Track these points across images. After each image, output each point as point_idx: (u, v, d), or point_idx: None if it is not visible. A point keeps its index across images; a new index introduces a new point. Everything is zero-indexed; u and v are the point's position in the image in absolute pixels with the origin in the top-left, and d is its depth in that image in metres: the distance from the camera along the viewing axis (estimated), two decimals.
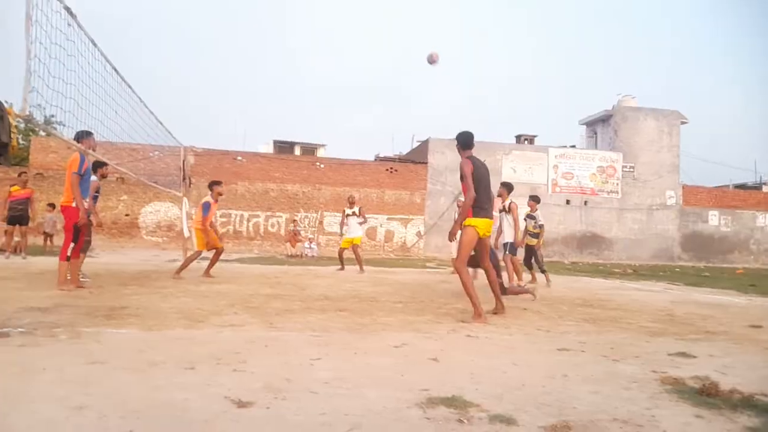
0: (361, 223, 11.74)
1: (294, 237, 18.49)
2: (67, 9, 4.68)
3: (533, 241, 9.76)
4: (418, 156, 24.25)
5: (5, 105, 3.97)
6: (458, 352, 3.51)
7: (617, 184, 24.81)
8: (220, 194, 8.84)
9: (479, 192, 5.13)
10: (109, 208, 18.94)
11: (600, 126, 27.18)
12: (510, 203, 8.80)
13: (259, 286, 7.32)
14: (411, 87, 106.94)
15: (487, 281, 5.47)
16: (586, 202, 24.39)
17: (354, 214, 11.65)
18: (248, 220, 20.54)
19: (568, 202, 24.22)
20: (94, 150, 6.39)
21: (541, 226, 9.82)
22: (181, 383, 2.49)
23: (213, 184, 8.81)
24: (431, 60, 7.02)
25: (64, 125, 6.44)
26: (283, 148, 27.26)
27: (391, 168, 22.56)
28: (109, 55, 6.15)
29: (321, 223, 21.16)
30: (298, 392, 2.43)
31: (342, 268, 11.27)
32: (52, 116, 11.26)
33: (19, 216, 11.10)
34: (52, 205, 14.58)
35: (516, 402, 2.42)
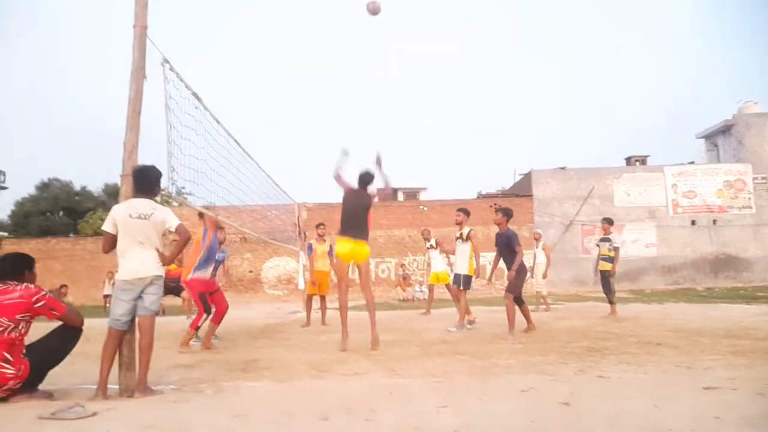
0: (442, 254, 11.31)
1: (404, 281, 18.66)
2: (195, 94, 5.27)
3: (607, 266, 9.05)
4: (521, 189, 23.75)
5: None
6: (590, 394, 3.34)
7: (749, 198, 22.49)
8: (320, 235, 9.30)
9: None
10: (234, 266, 20.39)
11: (721, 137, 25.02)
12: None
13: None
14: (506, 120, 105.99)
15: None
16: (715, 221, 22.33)
17: (432, 247, 11.34)
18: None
19: (693, 222, 22.30)
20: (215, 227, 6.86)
21: (616, 249, 9.11)
22: None
23: (316, 226, 9.45)
24: (373, 10, 6.49)
25: (192, 194, 7.03)
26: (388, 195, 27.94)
27: (495, 204, 22.24)
28: (228, 123, 6.77)
29: (429, 265, 21.16)
30: None
31: (427, 312, 10.97)
32: (183, 187, 12.52)
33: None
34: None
35: None
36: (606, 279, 9.06)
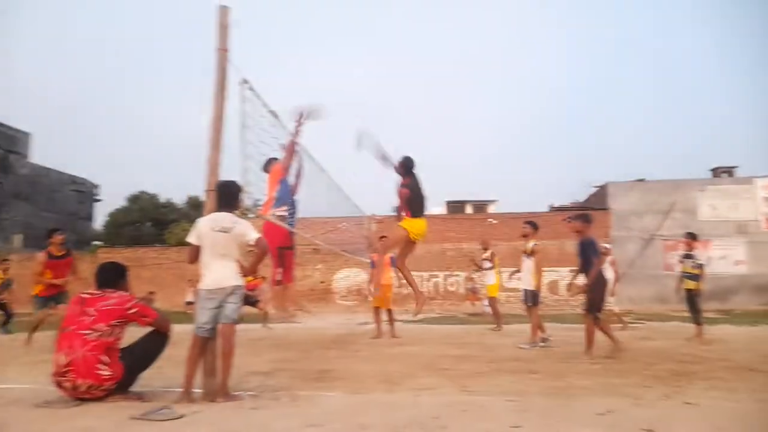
0: (489, 269, 11.04)
1: (474, 295, 18.40)
2: (272, 112, 5.51)
3: (692, 284, 8.44)
4: (596, 202, 22.87)
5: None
6: (677, 422, 3.16)
7: None
8: (375, 250, 9.34)
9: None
10: (306, 276, 20.92)
11: None
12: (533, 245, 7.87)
13: (446, 347, 7.40)
14: (579, 132, 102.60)
15: None
16: None
17: (486, 259, 11.07)
18: (428, 281, 21.02)
19: None
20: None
21: (700, 266, 8.49)
22: None
23: (378, 239, 9.52)
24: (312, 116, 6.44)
25: None
26: (456, 207, 27.75)
27: (568, 217, 21.56)
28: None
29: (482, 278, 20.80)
30: None
31: (498, 327, 10.53)
32: (258, 200, 13.02)
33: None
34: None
35: None
36: (692, 298, 8.53)
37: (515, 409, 3.50)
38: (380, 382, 4.60)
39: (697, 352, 6.66)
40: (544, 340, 7.52)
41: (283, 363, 5.84)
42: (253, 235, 4.04)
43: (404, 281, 6.73)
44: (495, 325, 10.64)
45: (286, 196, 6.50)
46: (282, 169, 6.53)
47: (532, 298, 7.64)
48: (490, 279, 11.16)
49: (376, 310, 9.30)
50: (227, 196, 4.20)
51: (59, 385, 3.69)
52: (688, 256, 8.72)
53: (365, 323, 13.10)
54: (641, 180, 21.59)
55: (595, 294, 6.56)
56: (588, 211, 22.53)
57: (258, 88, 5.01)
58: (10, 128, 28.91)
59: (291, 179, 6.70)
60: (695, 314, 8.43)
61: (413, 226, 6.26)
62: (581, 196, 27.44)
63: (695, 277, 8.47)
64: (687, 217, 20.31)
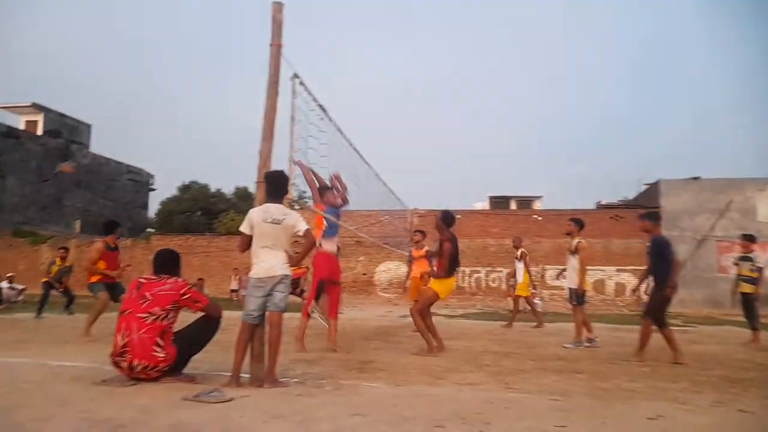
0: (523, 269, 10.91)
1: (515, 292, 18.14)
2: (321, 106, 5.58)
3: (749, 288, 8.04)
4: (646, 200, 22.13)
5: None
6: (730, 430, 3.06)
7: None
8: (417, 241, 9.43)
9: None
10: (349, 268, 21.13)
11: None
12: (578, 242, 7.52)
13: (488, 343, 7.36)
14: (629, 126, 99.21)
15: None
16: None
17: (516, 258, 10.96)
18: (469, 276, 20.88)
19: None
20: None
21: (759, 269, 8.07)
22: None
23: (413, 233, 9.68)
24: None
25: (311, 199, 7.27)
26: (499, 203, 27.38)
27: (617, 215, 20.97)
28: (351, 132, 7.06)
29: (542, 277, 20.44)
30: None
31: (540, 325, 10.43)
32: (304, 192, 13.20)
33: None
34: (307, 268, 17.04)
35: None
36: (748, 302, 8.18)
37: (560, 408, 3.46)
38: (422, 374, 4.62)
39: (753, 358, 6.39)
40: (590, 340, 7.37)
41: (327, 352, 5.95)
42: (302, 226, 4.12)
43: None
44: (508, 323, 10.56)
45: (333, 227, 6.64)
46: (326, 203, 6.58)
47: (576, 297, 7.47)
48: (519, 278, 11.04)
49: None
50: (276, 186, 4.29)
51: (117, 365, 3.88)
52: (745, 258, 8.36)
53: (406, 316, 13.15)
54: (695, 178, 20.74)
55: (660, 298, 6.10)
56: (637, 208, 21.86)
57: (308, 83, 5.08)
58: (72, 119, 30.28)
59: (337, 201, 6.81)
60: (752, 319, 8.08)
61: (445, 287, 6.32)
62: (630, 194, 26.62)
63: (753, 281, 8.12)
64: (744, 217, 19.43)
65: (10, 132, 26.54)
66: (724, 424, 3.17)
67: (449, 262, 6.23)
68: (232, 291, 19.05)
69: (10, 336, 6.68)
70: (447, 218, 6.48)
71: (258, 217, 4.10)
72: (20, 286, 14.94)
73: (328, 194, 6.61)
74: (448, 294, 6.42)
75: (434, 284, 6.32)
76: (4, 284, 14.37)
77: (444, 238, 6.29)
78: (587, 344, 7.20)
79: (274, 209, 4.13)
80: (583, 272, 7.38)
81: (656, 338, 8.81)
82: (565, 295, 7.98)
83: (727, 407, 3.63)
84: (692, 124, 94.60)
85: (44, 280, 11.12)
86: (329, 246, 6.59)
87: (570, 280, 7.57)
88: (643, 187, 24.07)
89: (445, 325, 10.26)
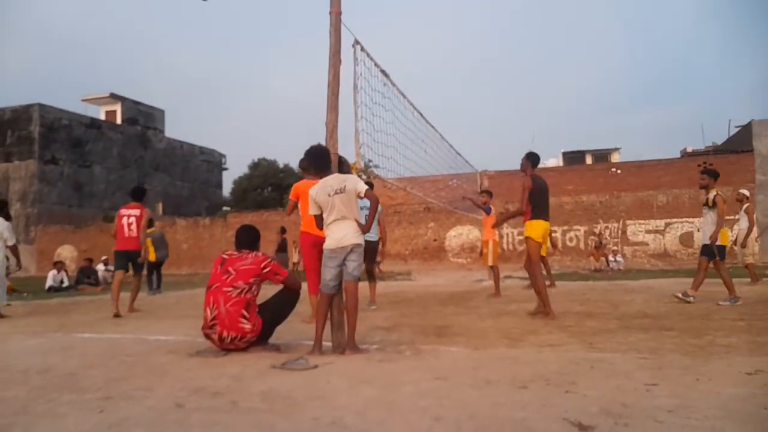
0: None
1: (597, 251, 17.55)
2: (383, 72, 5.52)
3: None
4: (738, 144, 20.54)
5: (349, 162, 4.88)
6: None
7: None
8: (485, 203, 9.14)
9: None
10: (419, 235, 21.19)
11: None
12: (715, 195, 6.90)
13: (569, 303, 7.18)
14: (710, 65, 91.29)
15: None
16: None
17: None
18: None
19: None
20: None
21: None
22: (518, 401, 2.63)
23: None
24: None
25: (380, 167, 7.25)
26: (574, 158, 26.35)
27: (704, 163, 19.61)
28: (414, 97, 6.97)
29: (624, 233, 19.58)
30: (640, 419, 2.31)
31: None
32: (370, 161, 13.28)
33: None
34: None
35: None
36: None
37: (649, 366, 3.33)
38: (501, 338, 4.59)
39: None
40: (687, 295, 6.88)
41: (403, 318, 6.03)
42: (362, 186, 4.10)
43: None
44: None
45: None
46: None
47: (719, 252, 6.93)
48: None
49: (491, 268, 9.21)
50: (320, 160, 4.29)
51: (208, 337, 4.11)
52: None
53: (481, 280, 13.08)
54: None
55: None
56: (728, 154, 20.35)
57: (369, 49, 5.02)
58: (147, 106, 31.89)
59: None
60: None
61: (535, 230, 6.07)
62: (720, 139, 24.76)
63: None
64: None
65: (93, 123, 28.39)
66: None
67: (531, 202, 6.04)
68: (293, 263, 19.58)
69: (111, 313, 7.23)
70: (531, 157, 6.31)
71: (321, 194, 4.12)
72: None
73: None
74: (543, 236, 6.17)
75: (527, 230, 6.15)
76: (101, 267, 15.57)
77: (525, 178, 6.15)
78: (688, 299, 6.77)
79: (332, 180, 4.14)
80: (719, 225, 6.90)
81: (749, 290, 8.29)
82: (699, 252, 7.27)
83: None
84: None
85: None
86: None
87: (705, 236, 7.07)
88: (735, 130, 22.30)
89: (521, 287, 10.13)
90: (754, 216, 9.95)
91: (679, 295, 6.81)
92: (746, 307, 6.24)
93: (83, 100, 30.64)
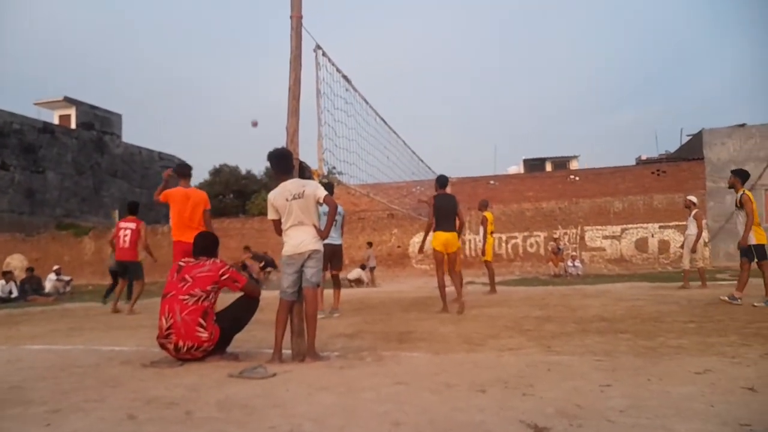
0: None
1: (556, 256, 17.94)
2: (345, 77, 5.52)
3: None
4: (689, 152, 21.34)
5: (311, 168, 4.84)
6: None
7: None
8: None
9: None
10: (383, 241, 21.22)
11: None
12: (742, 195, 6.98)
13: (528, 308, 7.31)
14: (667, 76, 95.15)
15: None
16: None
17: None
18: (506, 242, 20.69)
19: None
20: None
21: None
22: (477, 405, 2.65)
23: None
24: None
25: (343, 174, 7.23)
26: (534, 165, 26.92)
27: (658, 170, 20.32)
28: (376, 104, 6.98)
29: (582, 238, 20.09)
30: (593, 420, 2.36)
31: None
32: (333, 167, 13.23)
33: None
34: (369, 243, 18.68)
35: None
36: None
37: (604, 368, 3.41)
38: (462, 342, 4.63)
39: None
40: (734, 298, 6.86)
41: (365, 325, 6.01)
42: (321, 192, 4.06)
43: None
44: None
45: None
46: None
47: (756, 252, 6.85)
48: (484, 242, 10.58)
49: (452, 274, 9.31)
50: (281, 162, 4.19)
51: (163, 346, 4.00)
52: None
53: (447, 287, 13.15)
54: (742, 125, 19.83)
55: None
56: (680, 162, 21.12)
57: (331, 54, 5.01)
58: (103, 110, 30.95)
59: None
60: None
61: (436, 240, 7.33)
62: (672, 147, 25.72)
63: None
64: None
65: (46, 127, 27.34)
66: None
67: (434, 217, 7.35)
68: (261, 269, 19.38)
69: (64, 324, 6.98)
70: (439, 180, 7.70)
71: (279, 199, 4.07)
72: (67, 278, 15.57)
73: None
74: (443, 245, 7.33)
75: (432, 241, 7.41)
76: (52, 276, 14.99)
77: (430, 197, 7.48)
78: (735, 301, 6.74)
79: (291, 185, 4.09)
80: (748, 225, 6.87)
81: (699, 293, 8.61)
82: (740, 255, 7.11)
83: None
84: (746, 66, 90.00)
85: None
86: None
87: (743, 238, 6.97)
88: (686, 139, 23.19)
89: (481, 293, 10.27)
90: (703, 222, 10.29)
91: (726, 298, 6.81)
92: (697, 309, 6.48)
93: (36, 104, 29.52)
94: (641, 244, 19.39)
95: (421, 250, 8.89)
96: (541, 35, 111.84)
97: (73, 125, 29.20)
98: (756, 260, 6.85)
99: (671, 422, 2.30)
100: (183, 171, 6.47)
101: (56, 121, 29.15)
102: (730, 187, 7.39)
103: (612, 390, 2.86)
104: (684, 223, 10.71)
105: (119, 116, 32.01)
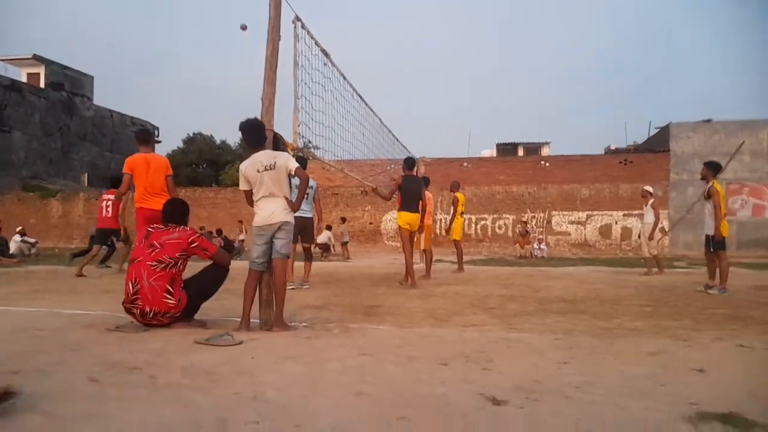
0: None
1: (523, 238, 18.25)
2: (324, 51, 5.44)
3: None
4: (656, 145, 21.84)
5: (285, 140, 4.79)
6: (729, 363, 3.12)
7: None
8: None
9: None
10: (355, 218, 21.26)
11: None
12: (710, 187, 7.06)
13: (493, 287, 7.46)
14: (644, 70, 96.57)
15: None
16: None
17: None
18: (476, 223, 20.95)
19: None
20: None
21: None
22: (439, 378, 2.73)
23: None
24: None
25: (319, 148, 7.20)
26: (507, 150, 27.16)
27: (625, 160, 20.76)
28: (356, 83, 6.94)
29: (549, 222, 20.49)
30: (549, 395, 2.46)
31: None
32: (309, 141, 13.12)
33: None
34: (343, 219, 18.92)
35: None
36: None
37: (562, 346, 3.53)
38: (427, 318, 4.72)
39: (756, 297, 6.46)
40: (709, 287, 6.95)
41: (334, 298, 6.05)
42: (293, 164, 4.05)
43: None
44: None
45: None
46: None
47: (715, 243, 6.95)
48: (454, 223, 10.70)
49: (424, 251, 9.56)
50: (254, 133, 4.15)
51: (129, 311, 3.97)
52: None
53: (418, 264, 13.29)
54: (707, 121, 20.35)
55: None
56: (646, 153, 21.58)
57: (311, 27, 4.93)
58: (74, 71, 29.78)
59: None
60: None
61: (402, 219, 7.74)
62: (641, 138, 26.26)
63: None
64: (755, 160, 19.23)
65: (13, 85, 26.20)
66: (722, 359, 3.23)
67: (400, 197, 7.74)
68: (241, 241, 19.29)
69: (26, 287, 6.83)
70: (406, 161, 8.01)
71: (251, 169, 4.04)
72: (32, 240, 15.14)
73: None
74: (408, 224, 7.66)
75: (397, 219, 7.86)
76: (17, 238, 14.57)
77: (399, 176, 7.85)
78: (712, 291, 6.80)
79: (263, 156, 4.06)
80: (716, 217, 6.91)
81: (657, 279, 8.93)
82: (704, 244, 7.26)
83: (727, 343, 3.69)
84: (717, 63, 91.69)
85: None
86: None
87: (707, 227, 7.10)
88: (654, 131, 23.70)
89: (449, 271, 10.42)
90: (659, 211, 10.62)
91: (716, 291, 6.75)
92: (654, 293, 6.72)
93: (2, 60, 28.22)
94: (605, 231, 19.90)
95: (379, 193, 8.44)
96: (541, 35, 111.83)
97: (42, 84, 28.06)
98: (713, 249, 7.05)
99: (624, 400, 2.41)
100: (143, 137, 6.31)
101: (24, 79, 27.95)
102: (702, 178, 7.50)
103: (569, 367, 2.98)
104: (641, 212, 11.05)
105: (91, 78, 30.88)
